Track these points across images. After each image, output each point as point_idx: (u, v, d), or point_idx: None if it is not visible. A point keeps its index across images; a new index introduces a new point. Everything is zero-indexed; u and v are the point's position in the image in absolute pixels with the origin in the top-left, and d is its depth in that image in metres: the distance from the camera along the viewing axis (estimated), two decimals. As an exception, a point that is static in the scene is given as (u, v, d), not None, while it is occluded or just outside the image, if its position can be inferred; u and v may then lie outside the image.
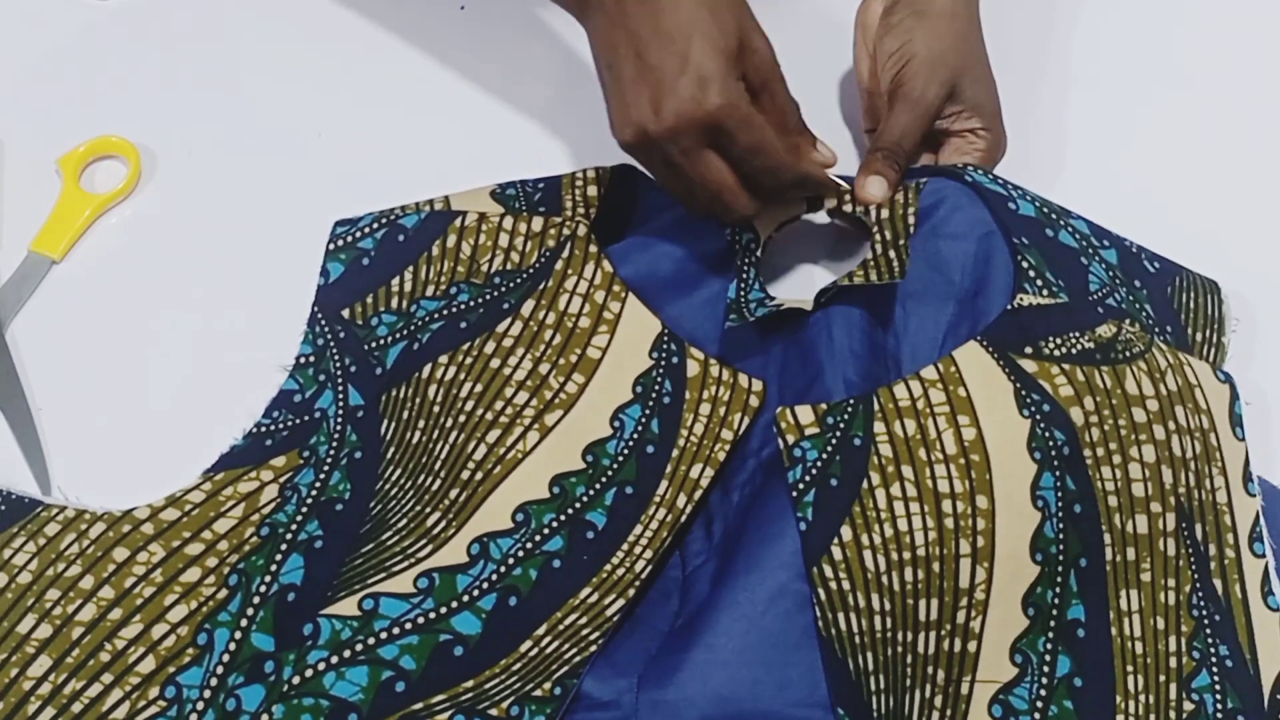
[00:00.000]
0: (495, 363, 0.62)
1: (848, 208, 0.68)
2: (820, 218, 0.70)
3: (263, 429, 0.66)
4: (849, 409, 0.60)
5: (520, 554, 0.59)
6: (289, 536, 0.61)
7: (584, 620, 0.58)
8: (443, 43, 0.81)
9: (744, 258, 0.67)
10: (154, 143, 0.77)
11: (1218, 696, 0.58)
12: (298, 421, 0.66)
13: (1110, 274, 0.67)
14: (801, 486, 0.59)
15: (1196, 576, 0.59)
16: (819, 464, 0.59)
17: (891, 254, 0.64)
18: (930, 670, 0.56)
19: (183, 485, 0.64)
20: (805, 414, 0.61)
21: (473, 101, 0.79)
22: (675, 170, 0.62)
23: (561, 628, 0.58)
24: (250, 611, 0.59)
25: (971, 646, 0.56)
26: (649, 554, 0.60)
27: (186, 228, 0.75)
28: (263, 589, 0.60)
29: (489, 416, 0.61)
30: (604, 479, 0.61)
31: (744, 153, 0.61)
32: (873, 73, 0.71)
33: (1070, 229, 0.68)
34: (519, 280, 0.65)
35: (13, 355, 0.70)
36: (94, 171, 0.77)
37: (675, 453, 0.62)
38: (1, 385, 0.69)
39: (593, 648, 0.58)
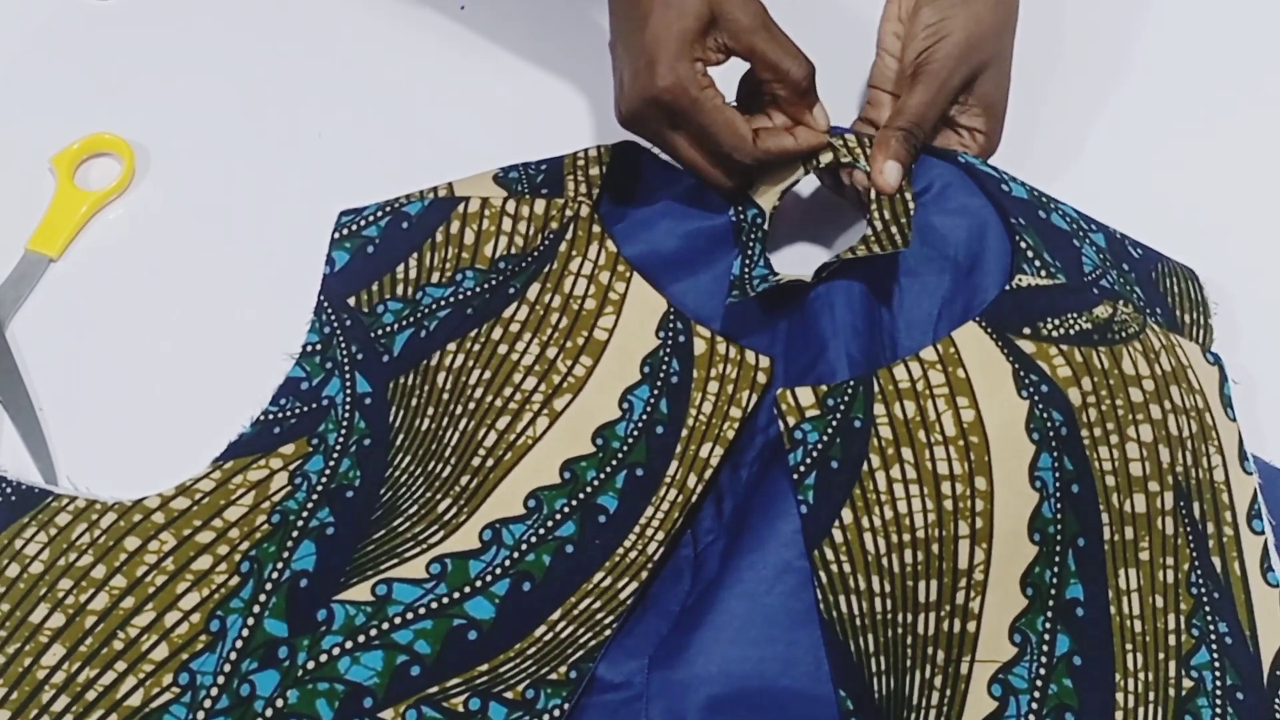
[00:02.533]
0: (503, 349, 0.63)
1: (850, 171, 0.67)
2: (807, 184, 0.70)
3: (271, 417, 0.66)
4: (849, 390, 0.60)
5: (533, 540, 0.59)
6: (300, 524, 0.61)
7: (598, 604, 0.59)
8: (443, 42, 0.81)
9: (750, 234, 0.67)
10: (146, 140, 0.77)
11: (1217, 673, 0.58)
12: (305, 409, 0.66)
13: (1101, 257, 0.67)
14: (802, 469, 0.60)
15: (1195, 554, 0.60)
16: (819, 446, 0.60)
17: (894, 230, 0.64)
18: (930, 651, 0.57)
19: (192, 474, 0.64)
20: (806, 395, 0.61)
21: (473, 101, 0.79)
22: (658, 147, 0.65)
23: (576, 612, 0.58)
24: (263, 598, 0.60)
25: (971, 627, 0.57)
26: (661, 535, 0.60)
27: (183, 223, 0.75)
28: (275, 575, 0.60)
29: (498, 403, 0.62)
30: (614, 462, 0.61)
31: (696, 136, 0.63)
32: (899, 37, 0.70)
33: (1060, 212, 0.68)
34: (523, 264, 0.66)
35: (14, 354, 0.70)
36: (88, 169, 0.77)
37: (685, 432, 0.62)
38: (4, 384, 0.69)
39: (607, 631, 0.58)
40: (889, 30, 0.71)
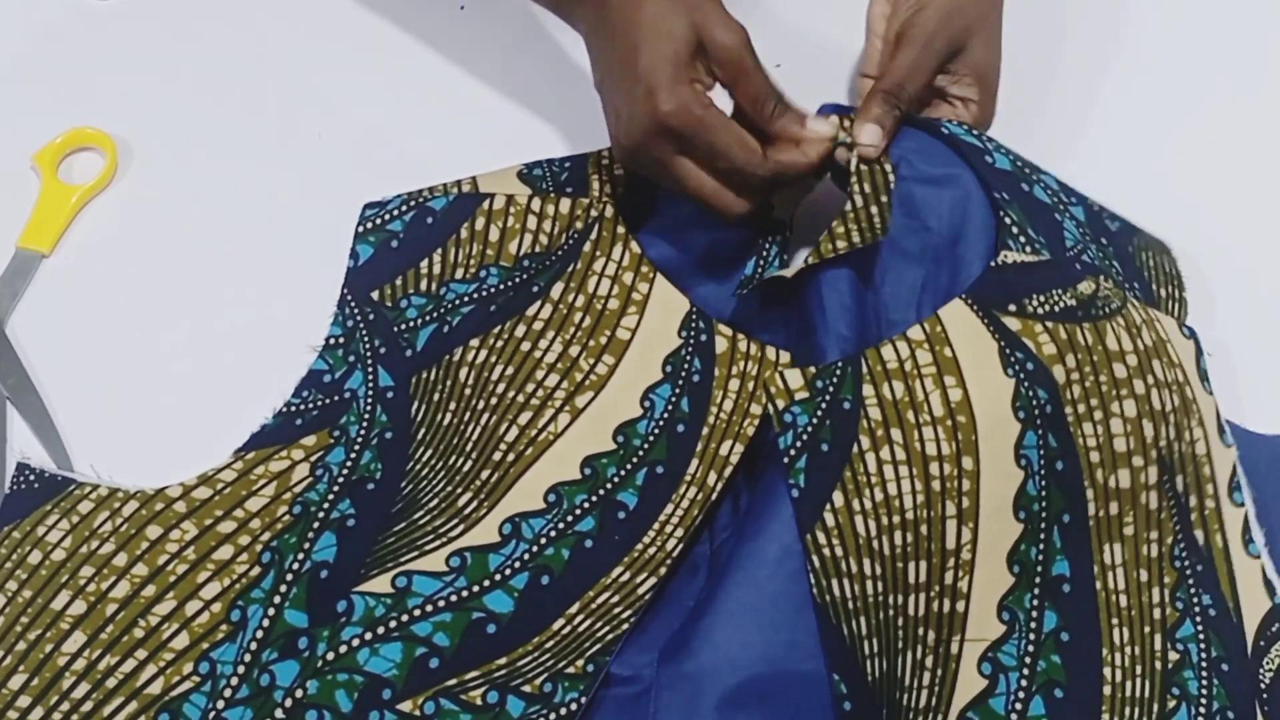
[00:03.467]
0: (526, 345, 0.63)
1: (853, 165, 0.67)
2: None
3: (293, 409, 0.66)
4: (837, 372, 0.60)
5: (552, 534, 0.60)
6: (321, 515, 0.62)
7: (616, 599, 0.59)
8: (443, 43, 0.81)
9: (769, 237, 0.67)
10: (127, 133, 0.77)
11: (1201, 645, 0.58)
12: (328, 401, 0.66)
13: (1081, 231, 0.67)
14: (793, 453, 0.59)
15: (1178, 528, 0.60)
16: (810, 429, 0.60)
17: (873, 209, 0.64)
18: (921, 632, 0.57)
19: (214, 465, 0.65)
20: (794, 378, 0.61)
21: (473, 102, 0.79)
22: (664, 179, 0.64)
23: (594, 606, 0.59)
24: (283, 589, 0.60)
25: (960, 606, 0.57)
26: (680, 532, 0.60)
27: (174, 214, 0.75)
28: (295, 566, 0.60)
29: (520, 399, 0.62)
30: (635, 459, 0.61)
31: (706, 157, 0.62)
32: (888, 19, 0.70)
33: (1043, 184, 0.68)
34: (547, 263, 0.66)
35: (16, 351, 0.70)
36: (70, 164, 0.77)
37: (705, 430, 0.62)
38: (10, 380, 0.69)
39: (625, 625, 0.59)
40: (877, 13, 0.71)
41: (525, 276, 0.66)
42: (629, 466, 0.61)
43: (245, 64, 0.80)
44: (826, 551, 0.58)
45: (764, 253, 0.67)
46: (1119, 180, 0.74)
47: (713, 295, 0.67)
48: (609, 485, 0.61)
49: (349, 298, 0.69)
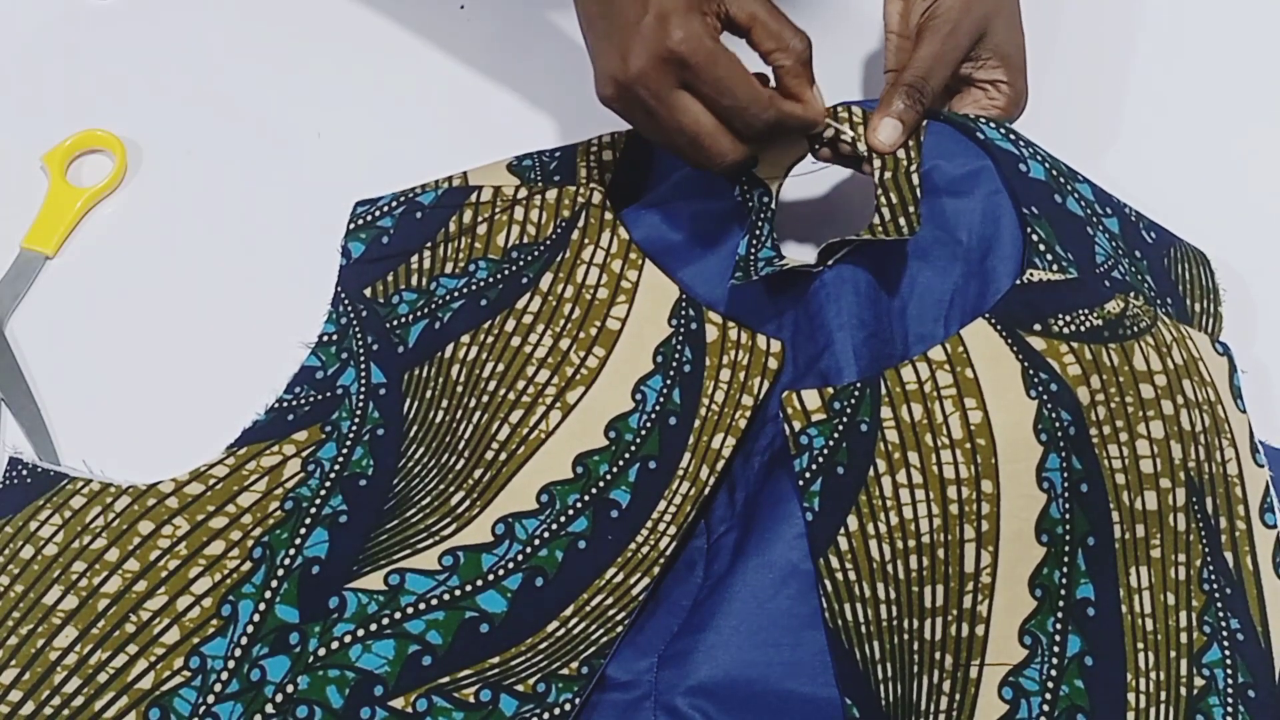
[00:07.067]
0: (516, 341, 0.63)
1: (852, 147, 0.66)
2: (834, 172, 0.69)
3: (285, 404, 0.66)
4: (855, 393, 0.59)
5: (546, 535, 0.59)
6: (313, 510, 0.62)
7: (610, 601, 0.59)
8: (443, 42, 0.81)
9: (758, 214, 0.65)
10: (137, 136, 0.77)
11: (1228, 671, 0.58)
12: (320, 397, 0.66)
13: (1113, 244, 0.66)
14: (808, 475, 0.59)
15: (1207, 550, 0.59)
16: (825, 451, 0.59)
17: (901, 220, 0.63)
18: (938, 656, 0.56)
19: (206, 460, 0.64)
20: (812, 399, 0.60)
21: (473, 101, 0.79)
22: (656, 119, 0.60)
23: (588, 608, 0.59)
24: (275, 584, 0.60)
25: (979, 630, 0.56)
26: (673, 530, 0.60)
27: (178, 218, 0.75)
28: (287, 562, 0.60)
29: (511, 396, 0.62)
30: (627, 455, 0.61)
31: (711, 92, 0.59)
32: (903, 15, 0.69)
33: (1076, 195, 0.67)
34: (536, 253, 0.65)
35: (15, 354, 0.70)
36: (80, 166, 0.77)
37: (697, 423, 0.61)
38: (6, 382, 0.69)
39: (619, 628, 0.58)
40: (893, 11, 0.70)
41: (514, 268, 0.65)
42: (621, 463, 0.61)
43: (247, 68, 0.80)
44: (840, 575, 0.58)
45: (757, 231, 0.64)
46: (1159, 185, 0.73)
47: (697, 275, 0.66)
48: (601, 483, 0.60)
49: (342, 295, 0.68)
